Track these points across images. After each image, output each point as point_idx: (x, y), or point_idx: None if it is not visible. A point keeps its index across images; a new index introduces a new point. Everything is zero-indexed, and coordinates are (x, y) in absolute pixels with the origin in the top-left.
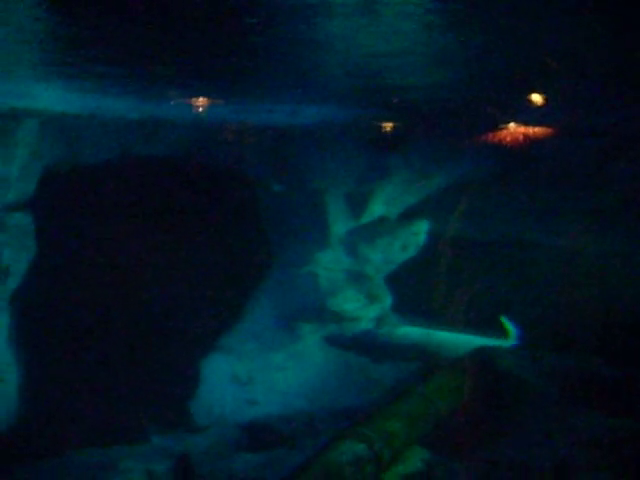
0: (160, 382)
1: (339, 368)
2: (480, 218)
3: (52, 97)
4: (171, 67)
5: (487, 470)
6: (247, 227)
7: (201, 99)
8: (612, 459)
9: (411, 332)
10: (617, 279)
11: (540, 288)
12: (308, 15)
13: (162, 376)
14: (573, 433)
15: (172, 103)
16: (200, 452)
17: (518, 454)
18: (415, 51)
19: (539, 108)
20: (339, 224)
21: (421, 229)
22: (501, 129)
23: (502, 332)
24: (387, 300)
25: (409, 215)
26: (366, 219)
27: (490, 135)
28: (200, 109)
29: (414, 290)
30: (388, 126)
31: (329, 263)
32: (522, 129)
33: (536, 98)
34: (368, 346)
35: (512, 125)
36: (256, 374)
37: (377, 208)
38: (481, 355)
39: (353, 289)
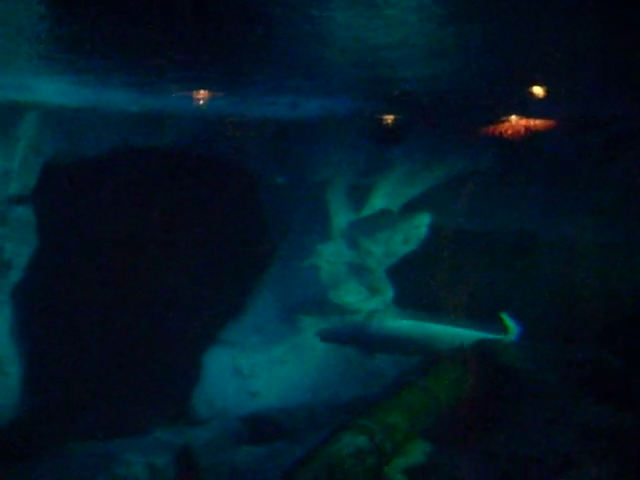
0: (161, 375)
1: (340, 361)
2: (482, 211)
3: (53, 90)
4: (172, 60)
5: (489, 462)
6: (249, 220)
7: (202, 92)
8: (615, 451)
9: (402, 324)
10: (619, 272)
11: (542, 281)
12: (309, 6)
13: (163, 369)
14: (576, 425)
15: (173, 96)
16: (202, 445)
17: (520, 446)
18: (417, 43)
19: (540, 100)
20: (341, 217)
21: (423, 222)
22: (502, 122)
23: (503, 326)
24: (388, 293)
25: (411, 208)
26: (368, 212)
27: (492, 128)
28: (201, 102)
29: (415, 283)
30: (389, 119)
31: (331, 256)
32: (523, 122)
33: (537, 90)
34: (359, 339)
35: (513, 118)
36: (258, 367)
37: (378, 201)
38: (483, 347)
39: (355, 282)
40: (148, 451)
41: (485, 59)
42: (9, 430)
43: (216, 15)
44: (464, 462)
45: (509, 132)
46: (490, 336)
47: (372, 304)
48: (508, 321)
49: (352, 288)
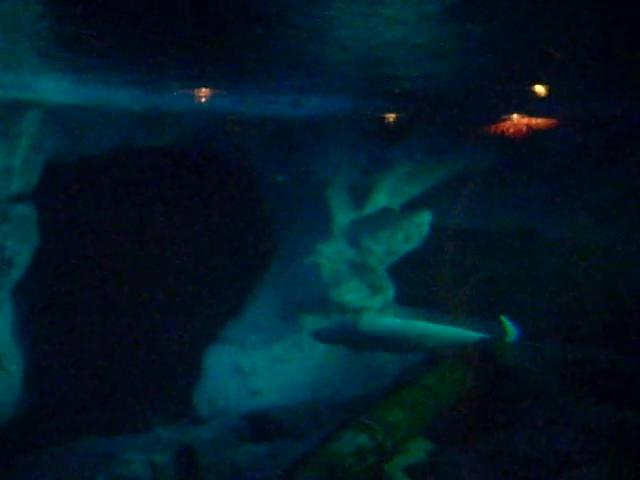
0: (162, 373)
1: (342, 359)
2: (483, 210)
3: (54, 88)
4: (173, 58)
5: (489, 461)
6: (249, 218)
7: (204, 90)
8: (615, 450)
9: (393, 322)
10: (620, 270)
11: (543, 279)
12: (310, 5)
13: (164, 367)
14: (576, 425)
15: (175, 94)
16: (203, 443)
17: (520, 446)
18: (417, 41)
19: (542, 99)
20: (342, 215)
21: (424, 220)
22: (504, 120)
23: (502, 327)
24: (389, 291)
25: (412, 206)
26: (369, 210)
27: (493, 126)
28: (203, 100)
29: (416, 281)
30: (391, 117)
31: (332, 254)
32: (525, 120)
33: (539, 89)
34: (350, 338)
35: (515, 116)
36: (259, 365)
37: (380, 199)
38: (484, 346)
39: (356, 280)
40: (149, 449)
41: (486, 58)
42: (10, 427)
43: (217, 13)
44: (464, 461)
45: (510, 131)
46: (480, 335)
47: (373, 302)
48: (507, 323)
49: (353, 286)
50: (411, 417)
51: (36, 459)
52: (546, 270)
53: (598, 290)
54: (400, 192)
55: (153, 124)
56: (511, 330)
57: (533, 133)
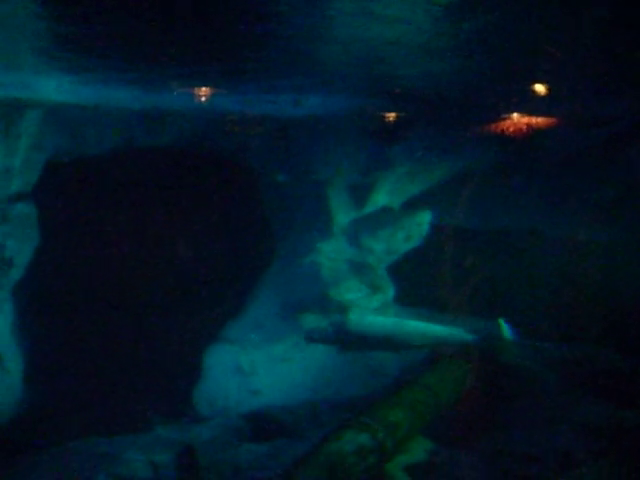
0: (162, 372)
1: (342, 359)
2: (483, 209)
3: (54, 88)
4: (173, 57)
5: (489, 461)
6: (250, 217)
7: (204, 89)
8: (615, 449)
9: (380, 321)
10: (620, 269)
11: (543, 278)
12: (310, 3)
13: (164, 366)
14: (576, 424)
15: (175, 93)
16: (203, 443)
17: (521, 445)
18: (418, 40)
19: (542, 98)
20: (342, 214)
21: (424, 219)
22: (504, 119)
23: (498, 328)
24: (389, 290)
25: (412, 205)
26: (369, 210)
27: (493, 125)
28: (203, 99)
29: (417, 280)
30: (391, 116)
31: (332, 253)
32: (525, 119)
33: (539, 88)
34: (340, 337)
35: (515, 115)
36: (259, 365)
37: (380, 198)
38: (484, 345)
39: (356, 279)
40: (149, 449)
41: (486, 57)
42: (10, 427)
43: (216, 12)
44: (465, 460)
45: (511, 130)
46: (471, 336)
47: (373, 301)
48: (503, 326)
49: (353, 285)
50: (412, 416)
51: (36, 459)
52: (546, 269)
53: (598, 289)
54: (400, 191)
55: (153, 123)
56: (506, 331)
57: (533, 132)
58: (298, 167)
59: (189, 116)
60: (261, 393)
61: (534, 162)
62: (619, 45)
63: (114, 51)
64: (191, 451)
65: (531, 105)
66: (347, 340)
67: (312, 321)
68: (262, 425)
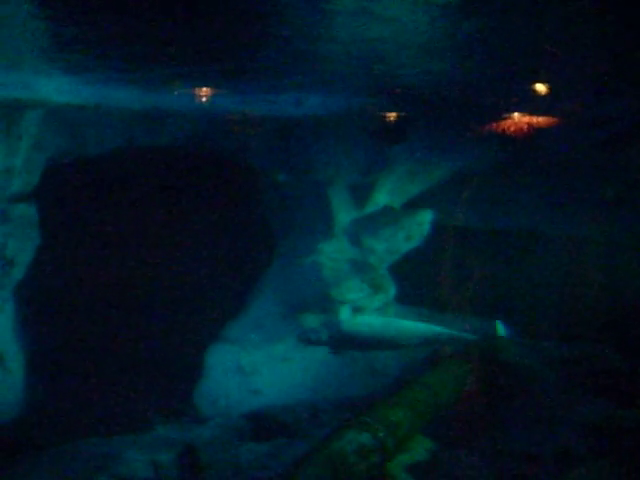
0: (163, 372)
1: (343, 358)
2: (484, 208)
3: (55, 88)
4: (174, 57)
5: (490, 459)
6: (251, 217)
7: (205, 89)
8: (615, 448)
9: (372, 321)
10: (621, 268)
11: (544, 277)
12: (310, 2)
13: (165, 366)
14: (576, 422)
15: (176, 93)
16: (204, 442)
17: (521, 443)
18: (418, 39)
19: (543, 97)
20: (343, 214)
21: (425, 219)
22: (505, 119)
23: (493, 329)
24: (391, 290)
25: (413, 205)
26: (370, 209)
27: (494, 125)
28: (204, 99)
29: (418, 280)
30: (392, 116)
31: (333, 253)
32: (526, 118)
33: (540, 87)
34: (333, 338)
35: (516, 115)
36: (260, 364)
37: (381, 198)
38: (484, 344)
39: (357, 279)
40: (150, 448)
41: (486, 56)
42: (12, 427)
43: (216, 12)
44: (465, 459)
45: (512, 129)
46: (465, 335)
47: (375, 301)
48: (500, 328)
49: (354, 285)
50: (413, 416)
51: (37, 459)
52: (547, 269)
53: (598, 289)
54: (401, 191)
55: (154, 123)
56: (501, 331)
57: (534, 131)
58: (299, 167)
59: (189, 116)
60: (262, 393)
61: (535, 162)
62: (619, 44)
63: (114, 51)
64: (192, 451)
65: (532, 104)
66: (341, 341)
67: (313, 321)
68: (263, 425)
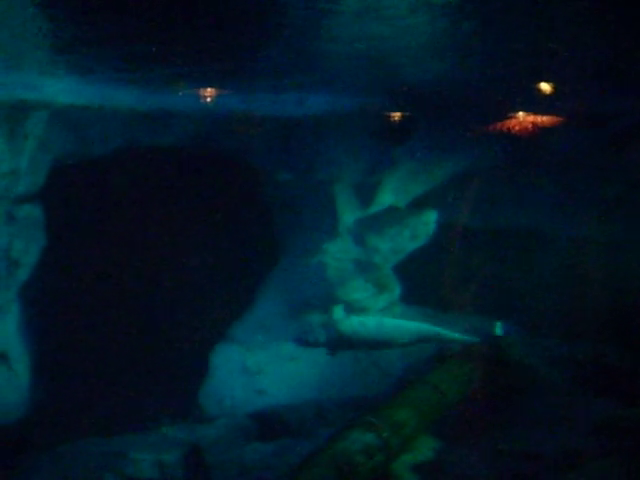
0: (169, 372)
1: (348, 358)
2: (488, 208)
3: (60, 89)
4: (177, 58)
5: (496, 458)
6: (255, 217)
7: (208, 89)
8: (621, 447)
9: (363, 321)
10: (624, 267)
11: (549, 277)
12: (311, 2)
13: (171, 366)
14: (582, 421)
15: (180, 94)
16: (210, 442)
17: (527, 442)
18: (422, 39)
19: (547, 97)
20: (348, 214)
21: (430, 219)
22: (509, 118)
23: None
24: (396, 290)
25: (418, 205)
26: (375, 209)
27: (499, 124)
28: (208, 100)
29: (423, 280)
30: (396, 115)
31: (337, 253)
32: (531, 118)
33: (544, 87)
34: (331, 339)
35: (521, 114)
36: (265, 364)
37: (386, 198)
38: (490, 344)
39: (362, 279)
40: (156, 448)
41: (490, 55)
42: (18, 427)
43: (219, 11)
44: (471, 458)
45: (516, 128)
46: (463, 335)
47: (379, 301)
48: (499, 330)
49: (359, 285)
50: (418, 415)
51: (43, 458)
52: (550, 268)
53: (602, 288)
54: (406, 190)
55: (159, 124)
56: (500, 330)
57: (538, 130)
58: (302, 167)
59: (193, 116)
60: (267, 393)
61: (539, 160)
62: (621, 43)
63: (115, 51)
64: (198, 450)
65: (535, 103)
66: (338, 342)
67: (318, 321)
68: (268, 424)
